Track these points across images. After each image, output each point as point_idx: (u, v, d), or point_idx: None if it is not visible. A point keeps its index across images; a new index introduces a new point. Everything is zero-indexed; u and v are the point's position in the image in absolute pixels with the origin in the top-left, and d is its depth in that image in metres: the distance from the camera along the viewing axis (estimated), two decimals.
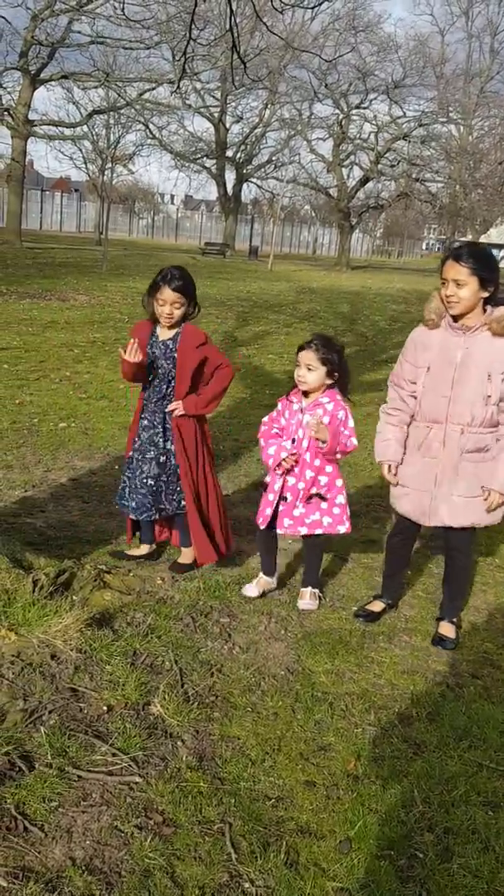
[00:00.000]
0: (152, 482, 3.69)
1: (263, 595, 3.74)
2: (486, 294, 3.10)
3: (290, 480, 3.55)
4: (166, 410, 3.66)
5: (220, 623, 3.44)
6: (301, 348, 3.49)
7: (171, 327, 3.63)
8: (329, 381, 3.49)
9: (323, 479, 3.56)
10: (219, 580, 3.82)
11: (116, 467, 5.26)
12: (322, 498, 3.56)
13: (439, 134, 40.57)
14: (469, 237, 56.28)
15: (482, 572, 4.34)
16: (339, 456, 3.52)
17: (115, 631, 3.22)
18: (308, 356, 3.44)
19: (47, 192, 53.60)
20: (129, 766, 2.49)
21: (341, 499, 3.59)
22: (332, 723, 2.83)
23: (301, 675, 3.12)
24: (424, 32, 76.79)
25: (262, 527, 3.63)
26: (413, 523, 3.49)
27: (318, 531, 3.60)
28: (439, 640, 3.47)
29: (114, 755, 2.52)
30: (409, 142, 39.77)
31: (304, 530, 3.59)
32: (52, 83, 28.44)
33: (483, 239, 59.11)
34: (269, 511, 3.59)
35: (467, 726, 2.88)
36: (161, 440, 3.70)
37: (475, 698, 3.08)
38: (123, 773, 2.46)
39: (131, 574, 3.75)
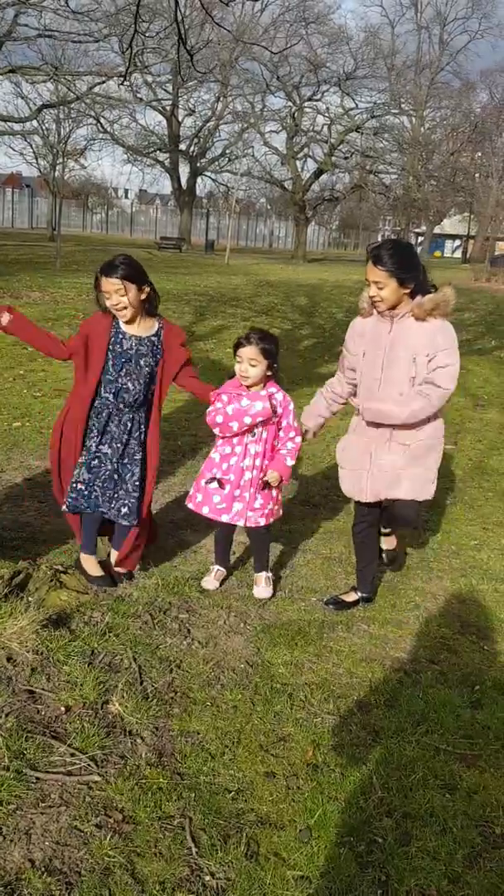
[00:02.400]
0: (111, 485, 3.53)
1: (221, 584, 3.77)
2: (406, 290, 3.22)
3: (248, 475, 3.55)
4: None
5: (178, 619, 3.43)
6: (240, 344, 3.48)
7: (130, 321, 3.42)
8: (269, 373, 3.53)
9: None
10: (177, 576, 3.81)
11: None
12: (272, 486, 3.59)
13: (392, 125, 40.90)
14: (423, 228, 56.93)
15: (438, 559, 4.40)
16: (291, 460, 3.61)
17: (73, 631, 3.20)
18: (251, 352, 3.45)
19: None
20: (88, 765, 2.48)
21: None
22: (292, 713, 2.85)
23: (260, 667, 3.13)
24: (375, 24, 77.28)
25: (227, 521, 3.62)
26: (372, 509, 3.57)
27: (272, 520, 3.66)
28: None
29: (72, 755, 2.51)
30: (362, 133, 40.03)
31: (262, 521, 3.60)
32: (0, 78, 27.96)
33: (437, 230, 59.83)
34: (237, 506, 3.58)
35: (425, 711, 2.92)
36: (135, 447, 3.52)
37: (432, 683, 3.12)
38: (82, 772, 2.45)
39: None
